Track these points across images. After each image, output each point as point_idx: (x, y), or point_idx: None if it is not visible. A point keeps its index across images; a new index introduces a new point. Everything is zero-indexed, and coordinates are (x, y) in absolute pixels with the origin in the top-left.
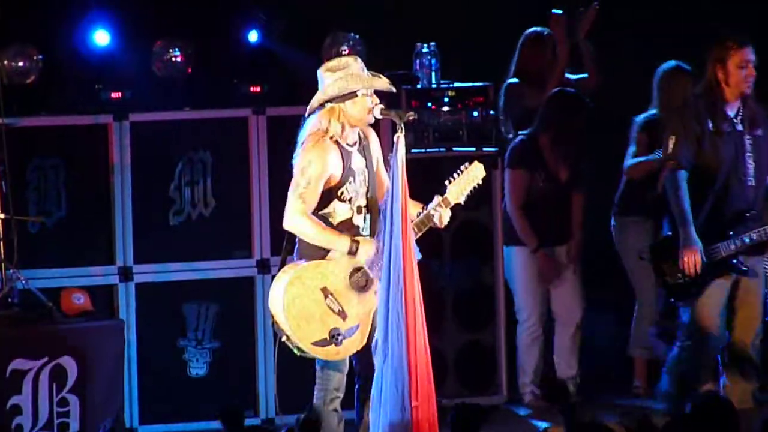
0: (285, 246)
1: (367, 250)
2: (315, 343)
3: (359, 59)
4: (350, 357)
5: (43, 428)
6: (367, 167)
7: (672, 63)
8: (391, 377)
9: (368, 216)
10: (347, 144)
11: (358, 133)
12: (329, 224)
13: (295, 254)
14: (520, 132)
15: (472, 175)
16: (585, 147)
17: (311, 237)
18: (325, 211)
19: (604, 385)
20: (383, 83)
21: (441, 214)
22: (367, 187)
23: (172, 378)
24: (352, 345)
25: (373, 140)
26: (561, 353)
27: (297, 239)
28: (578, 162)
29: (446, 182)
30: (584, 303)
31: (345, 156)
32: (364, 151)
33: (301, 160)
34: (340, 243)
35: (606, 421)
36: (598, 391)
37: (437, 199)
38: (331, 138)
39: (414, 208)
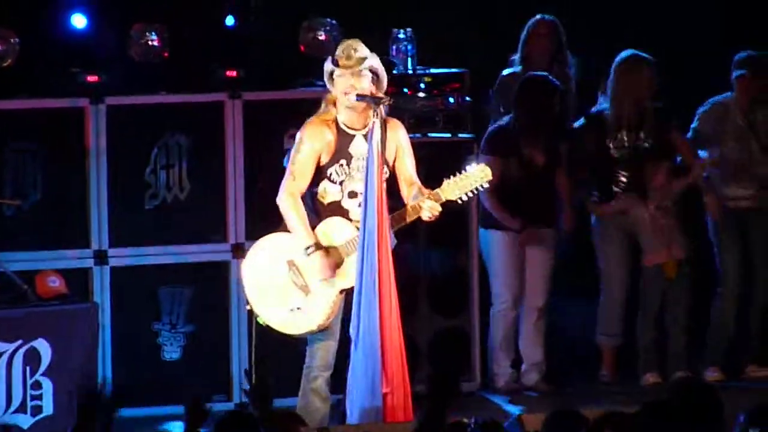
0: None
1: (318, 262)
2: (273, 314)
3: (350, 41)
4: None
5: (16, 411)
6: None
7: (627, 52)
8: (362, 363)
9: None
10: (350, 128)
11: (374, 122)
12: (320, 203)
13: None
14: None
15: (477, 176)
16: (564, 129)
17: (287, 219)
18: (316, 189)
19: (573, 373)
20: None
21: (428, 206)
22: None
23: (146, 362)
24: (310, 322)
25: (392, 130)
26: (525, 339)
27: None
28: (556, 145)
29: (444, 178)
30: (550, 289)
31: (342, 138)
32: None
33: (296, 138)
34: (302, 238)
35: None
36: (567, 379)
37: (427, 192)
38: (330, 119)
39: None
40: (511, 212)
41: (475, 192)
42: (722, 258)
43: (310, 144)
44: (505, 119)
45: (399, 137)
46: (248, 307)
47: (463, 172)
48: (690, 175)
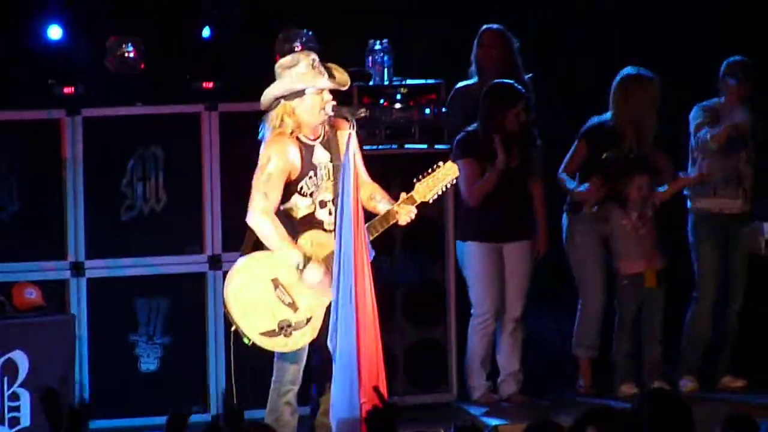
0: (248, 235)
1: (312, 273)
2: (263, 334)
3: (312, 55)
4: (310, 351)
5: None
6: (332, 161)
7: (632, 69)
8: (341, 374)
9: (334, 209)
10: (308, 138)
11: (325, 127)
12: (292, 219)
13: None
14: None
15: (443, 174)
16: (534, 136)
17: (267, 238)
18: (287, 205)
19: (551, 383)
20: (328, 82)
21: (405, 211)
22: (333, 181)
23: (122, 373)
24: (302, 338)
25: (342, 131)
26: (503, 350)
27: None
28: (527, 151)
29: (414, 180)
30: (526, 299)
31: (305, 150)
32: (329, 144)
33: (261, 156)
34: (290, 254)
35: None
36: (543, 390)
37: (402, 196)
38: (291, 134)
39: (385, 205)
40: (488, 220)
41: (445, 190)
42: (700, 263)
43: (279, 161)
44: (472, 126)
45: (354, 141)
46: (233, 329)
47: (430, 171)
48: (671, 187)
